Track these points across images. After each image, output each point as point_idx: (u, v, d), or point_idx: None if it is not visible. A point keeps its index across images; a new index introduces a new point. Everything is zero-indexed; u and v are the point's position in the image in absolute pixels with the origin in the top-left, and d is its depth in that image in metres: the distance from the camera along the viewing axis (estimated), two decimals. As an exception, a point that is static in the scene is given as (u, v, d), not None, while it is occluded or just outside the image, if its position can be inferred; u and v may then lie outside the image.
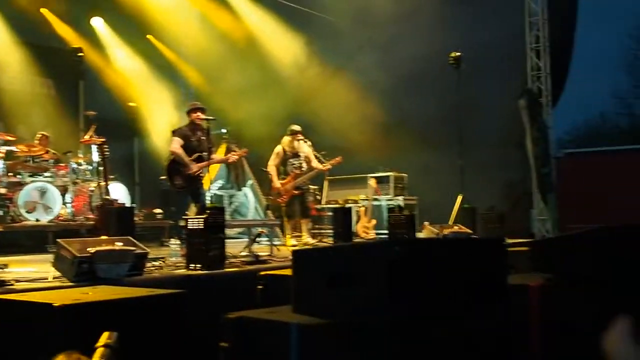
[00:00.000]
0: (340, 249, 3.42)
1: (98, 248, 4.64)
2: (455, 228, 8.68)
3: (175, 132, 7.64)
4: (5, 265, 5.72)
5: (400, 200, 10.67)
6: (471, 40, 10.30)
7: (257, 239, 7.94)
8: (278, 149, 8.94)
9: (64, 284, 4.42)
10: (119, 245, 4.84)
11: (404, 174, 11.26)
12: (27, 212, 8.55)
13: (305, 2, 11.70)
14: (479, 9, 10.51)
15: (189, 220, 5.63)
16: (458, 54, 9.99)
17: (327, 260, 2.89)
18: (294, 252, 3.01)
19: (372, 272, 2.61)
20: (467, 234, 8.52)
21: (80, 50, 12.09)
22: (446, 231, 8.44)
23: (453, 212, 9.72)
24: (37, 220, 8.60)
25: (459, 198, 9.77)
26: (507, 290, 2.89)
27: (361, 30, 11.00)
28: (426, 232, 8.61)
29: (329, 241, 8.90)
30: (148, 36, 12.76)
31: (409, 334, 2.52)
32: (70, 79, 12.41)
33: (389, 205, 10.50)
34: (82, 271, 4.53)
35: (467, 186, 9.91)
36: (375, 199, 10.66)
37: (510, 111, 10.45)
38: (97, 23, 12.43)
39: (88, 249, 4.60)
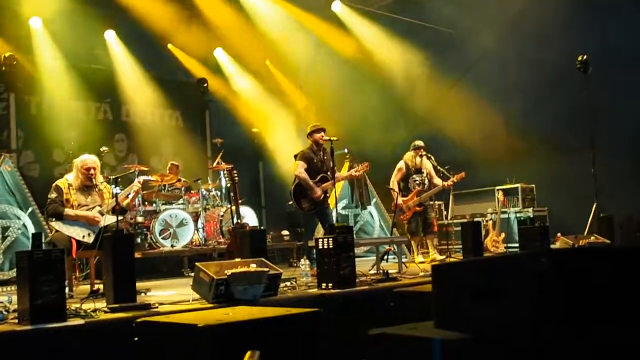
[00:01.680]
0: (484, 262, 3.30)
1: (234, 270, 4.77)
2: (592, 238, 8.18)
3: (297, 156, 7.74)
4: (148, 290, 6.04)
5: (530, 212, 10.26)
6: (601, 42, 9.77)
7: (385, 257, 7.90)
8: (400, 164, 8.87)
9: (204, 306, 4.58)
10: (253, 267, 4.96)
11: (532, 185, 10.82)
12: (163, 238, 9.01)
13: (420, 15, 11.61)
14: (606, 12, 9.96)
15: (319, 240, 5.68)
16: (585, 57, 9.49)
17: (469, 274, 2.79)
18: (435, 267, 2.94)
19: (518, 285, 2.49)
20: (604, 243, 8.00)
21: (204, 81, 12.72)
22: (582, 242, 7.97)
23: (588, 222, 9.19)
24: (173, 246, 9.03)
25: (594, 207, 9.23)
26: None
27: (480, 39, 10.73)
28: (560, 243, 8.19)
29: (457, 257, 8.68)
30: (267, 62, 13.16)
31: (558, 352, 2.37)
32: (197, 109, 13.07)
33: (518, 217, 10.11)
34: (219, 293, 4.68)
35: (601, 194, 9.33)
36: (504, 212, 10.31)
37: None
38: (219, 53, 12.98)
39: (225, 271, 4.74)
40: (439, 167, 8.71)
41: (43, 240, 4.17)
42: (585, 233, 8.80)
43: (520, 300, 2.44)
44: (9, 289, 6.81)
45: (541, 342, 2.37)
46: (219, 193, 9.99)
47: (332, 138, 7.57)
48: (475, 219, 9.77)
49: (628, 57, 9.77)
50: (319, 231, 7.76)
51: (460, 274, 2.83)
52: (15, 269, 5.98)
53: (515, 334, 2.40)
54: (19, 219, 8.08)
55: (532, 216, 9.68)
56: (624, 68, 9.78)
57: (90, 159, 6.19)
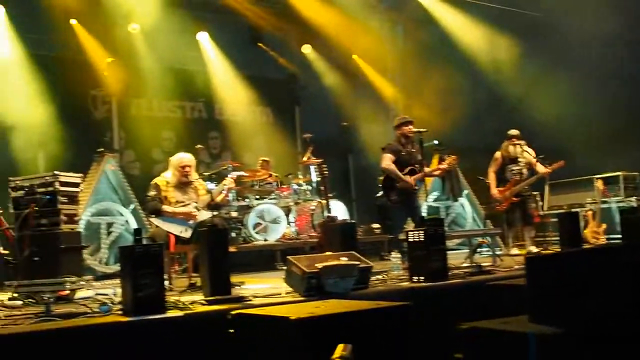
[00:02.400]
0: (579, 254, 3.18)
1: (325, 263, 4.83)
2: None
3: (385, 149, 7.70)
4: (242, 283, 6.21)
5: (633, 201, 9.75)
6: None
7: (478, 250, 7.74)
8: (497, 155, 8.67)
9: (296, 299, 4.66)
10: (344, 260, 5.00)
11: (635, 173, 10.27)
12: (257, 233, 9.21)
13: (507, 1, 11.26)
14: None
15: (409, 233, 5.64)
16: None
17: (564, 267, 2.70)
18: (528, 260, 2.87)
19: (614, 278, 2.38)
20: None
21: (294, 78, 12.89)
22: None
23: None
24: (266, 240, 9.23)
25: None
26: None
27: (574, 22, 10.27)
28: (665, 233, 7.74)
29: (554, 249, 8.38)
30: (354, 56, 13.17)
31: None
32: (287, 105, 13.26)
33: (620, 207, 9.64)
34: (311, 286, 4.75)
35: None
36: (604, 202, 9.86)
37: None
38: (307, 50, 13.11)
39: (316, 265, 4.81)
40: (534, 156, 8.44)
41: (143, 236, 4.37)
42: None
43: (615, 294, 2.35)
44: (114, 281, 7.18)
45: (633, 339, 2.27)
46: (309, 187, 10.10)
47: (420, 130, 7.49)
48: (573, 210, 9.39)
49: None
50: (410, 224, 7.70)
51: (554, 267, 2.74)
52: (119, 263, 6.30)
53: (611, 329, 2.31)
54: (122, 215, 8.52)
55: (635, 205, 9.19)
56: None
57: (186, 157, 6.43)
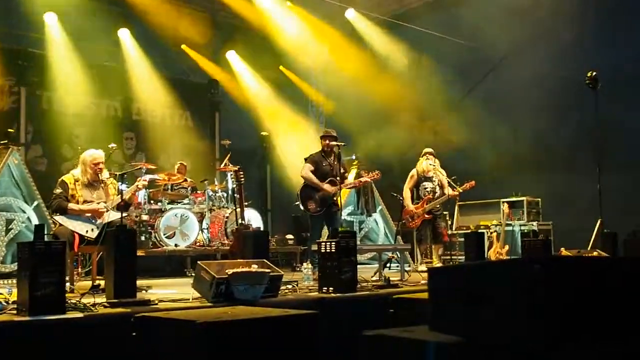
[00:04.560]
0: (478, 267, 3.30)
1: (235, 270, 4.78)
2: (595, 253, 8.17)
3: (307, 159, 7.85)
4: (149, 287, 6.06)
5: (534, 225, 10.22)
6: (610, 59, 9.77)
7: (388, 264, 7.89)
8: (412, 172, 8.89)
9: (204, 304, 4.59)
10: (254, 267, 4.97)
11: (537, 199, 10.79)
12: (167, 237, 9.02)
13: (434, 27, 11.62)
14: (615, 27, 9.96)
15: (321, 243, 5.68)
16: (594, 74, 9.48)
17: (464, 278, 2.80)
18: (430, 270, 2.95)
19: (511, 291, 2.49)
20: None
21: (215, 83, 12.79)
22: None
23: (592, 237, 9.17)
24: (176, 245, 9.05)
25: (598, 222, 9.21)
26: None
27: (491, 52, 10.74)
28: (563, 257, 8.15)
29: (460, 267, 8.65)
30: (280, 67, 13.22)
31: (548, 356, 2.37)
32: (207, 110, 13.13)
33: (522, 230, 10.08)
34: (220, 292, 4.69)
35: (607, 211, 9.29)
36: (509, 224, 10.29)
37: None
38: (232, 56, 13.04)
39: (226, 271, 4.75)
40: (446, 178, 8.71)
41: (46, 234, 4.18)
42: (588, 248, 8.78)
43: (512, 306, 2.45)
44: (10, 282, 6.84)
45: (532, 350, 2.37)
46: (225, 194, 10.01)
47: (339, 144, 7.61)
48: (480, 230, 9.74)
49: (637, 73, 9.77)
50: (325, 236, 7.76)
51: (454, 278, 2.84)
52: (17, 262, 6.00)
53: (506, 340, 2.40)
54: (23, 212, 8.11)
55: (536, 229, 9.64)
56: (634, 84, 9.78)
57: (99, 154, 6.23)
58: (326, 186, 7.59)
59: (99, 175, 6.15)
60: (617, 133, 9.76)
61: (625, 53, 9.88)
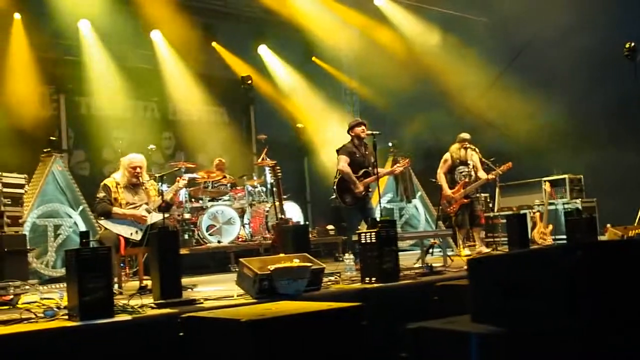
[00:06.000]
0: (517, 255, 3.27)
1: (277, 265, 4.82)
2: (643, 229, 7.99)
3: (339, 151, 7.78)
4: (195, 285, 6.16)
5: (578, 203, 10.03)
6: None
7: (430, 250, 7.85)
8: (446, 156, 8.80)
9: (248, 301, 4.63)
10: (296, 262, 5.00)
11: (580, 176, 10.58)
12: (210, 234, 9.15)
13: (460, 7, 11.46)
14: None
15: (361, 234, 5.68)
16: (632, 44, 9.20)
17: (503, 268, 2.78)
18: (470, 261, 2.93)
19: (551, 279, 2.46)
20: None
21: (249, 78, 12.83)
22: (631, 233, 7.79)
23: (639, 214, 8.96)
24: (219, 242, 9.16)
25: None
26: None
27: (523, 28, 10.52)
28: (609, 235, 8.02)
29: (504, 249, 8.57)
30: (313, 58, 13.21)
31: (592, 344, 2.34)
32: (242, 106, 13.20)
33: (566, 209, 9.91)
34: (263, 288, 4.74)
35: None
36: (551, 204, 10.12)
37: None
38: (263, 50, 13.09)
39: (268, 267, 4.80)
40: (484, 159, 8.60)
41: (92, 238, 4.29)
42: (635, 224, 8.58)
43: (552, 295, 2.42)
44: (61, 285, 7.03)
45: (572, 336, 2.34)
46: (264, 189, 10.08)
47: (374, 132, 7.57)
48: (522, 211, 9.61)
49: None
50: (364, 226, 7.76)
51: (494, 268, 2.82)
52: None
53: (548, 328, 2.38)
54: (70, 217, 8.33)
55: (580, 207, 9.46)
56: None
57: (137, 158, 6.34)
58: (358, 185, 7.56)
59: (139, 178, 6.26)
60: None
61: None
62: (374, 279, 5.43)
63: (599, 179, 10.19)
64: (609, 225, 8.25)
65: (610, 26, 9.62)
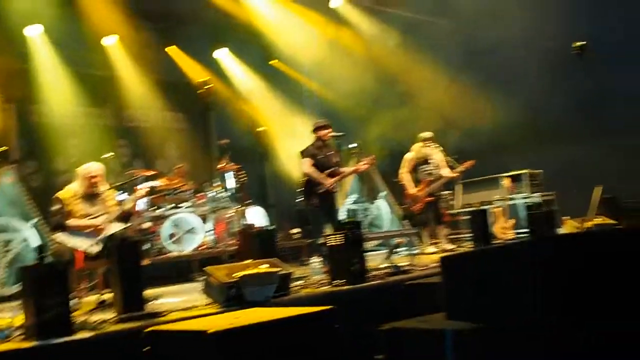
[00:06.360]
0: (490, 251, 3.25)
1: (244, 272, 4.72)
2: (599, 220, 8.15)
3: (303, 153, 7.69)
4: (157, 297, 5.97)
5: (537, 197, 10.17)
6: (604, 23, 9.69)
7: (396, 250, 7.83)
8: (408, 155, 8.82)
9: (215, 310, 4.52)
10: (263, 267, 4.90)
11: (538, 171, 10.73)
12: (172, 243, 8.93)
13: (421, 10, 11.52)
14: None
15: (329, 237, 5.63)
16: (582, 42, 9.40)
17: (476, 264, 2.76)
18: (443, 259, 2.89)
19: (524, 273, 2.45)
20: (611, 225, 7.95)
21: (207, 82, 12.64)
22: (588, 224, 7.98)
23: (592, 204, 9.15)
24: (181, 250, 8.95)
25: (598, 190, 9.18)
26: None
27: (483, 30, 10.64)
28: (567, 227, 8.19)
29: (467, 245, 8.61)
30: (272, 61, 13.11)
31: (564, 340, 2.33)
32: (200, 110, 12.97)
33: (526, 203, 10.03)
34: (231, 296, 4.63)
35: (607, 177, 9.28)
36: (511, 199, 10.22)
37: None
38: (222, 54, 12.93)
39: (235, 274, 4.69)
40: (447, 158, 8.64)
41: (47, 253, 4.10)
42: (590, 215, 8.75)
43: (525, 288, 2.41)
44: (14, 304, 6.75)
45: (546, 331, 2.33)
46: (226, 195, 9.91)
47: (337, 134, 7.53)
48: (484, 207, 9.69)
49: (629, 37, 9.70)
50: (329, 228, 7.69)
51: (467, 265, 2.81)
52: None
53: (522, 322, 2.37)
54: (21, 231, 8.00)
55: (539, 201, 9.60)
56: (627, 49, 9.71)
57: (93, 167, 6.13)
58: (326, 180, 7.49)
59: (96, 188, 6.05)
60: (611, 100, 9.73)
61: (617, 16, 9.77)
62: (342, 281, 5.38)
63: (558, 173, 10.35)
64: (566, 217, 8.38)
65: (566, 27, 9.78)
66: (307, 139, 7.89)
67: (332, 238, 5.57)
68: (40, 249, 4.02)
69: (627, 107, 9.68)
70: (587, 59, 9.09)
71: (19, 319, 4.09)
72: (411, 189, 8.63)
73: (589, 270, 2.48)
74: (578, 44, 9.37)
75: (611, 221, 8.12)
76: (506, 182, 10.31)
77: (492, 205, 10.22)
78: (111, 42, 11.38)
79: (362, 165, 7.99)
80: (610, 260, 2.52)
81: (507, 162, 10.78)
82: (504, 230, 9.72)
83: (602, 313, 2.41)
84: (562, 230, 8.21)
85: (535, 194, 10.36)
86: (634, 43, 9.79)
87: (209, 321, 3.81)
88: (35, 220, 8.10)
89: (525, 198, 10.33)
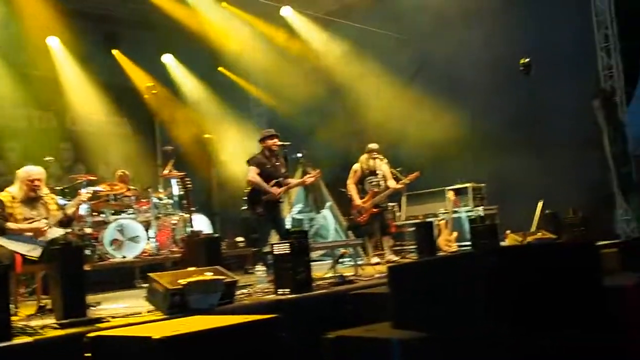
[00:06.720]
0: (436, 261, 3.33)
1: (189, 279, 4.68)
2: (539, 234, 8.42)
3: (250, 162, 7.68)
4: (98, 303, 5.86)
5: (480, 211, 10.41)
6: (540, 42, 10.05)
7: (341, 260, 7.89)
8: (356, 167, 8.92)
9: (158, 317, 4.47)
10: (208, 275, 4.88)
11: (482, 184, 10.99)
12: (113, 249, 8.77)
13: (366, 21, 11.69)
14: (545, 11, 10.24)
15: (274, 245, 5.64)
16: (527, 60, 9.74)
17: (423, 274, 2.82)
18: (390, 268, 2.95)
19: (469, 283, 2.51)
20: (551, 239, 8.22)
21: (153, 87, 12.49)
22: (529, 238, 8.21)
23: (535, 219, 9.43)
24: (124, 257, 8.79)
25: (540, 204, 9.49)
26: (604, 294, 2.72)
27: (425, 42, 10.87)
28: (509, 240, 8.38)
29: (412, 257, 8.75)
30: (219, 68, 13.05)
31: (509, 349, 2.41)
32: (146, 116, 12.81)
33: (469, 216, 10.25)
34: (174, 303, 4.58)
35: (547, 191, 9.59)
36: (455, 211, 10.44)
37: (586, 111, 10.06)
38: (168, 60, 12.80)
39: (179, 281, 4.65)
40: (392, 169, 8.77)
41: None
42: (532, 229, 9.03)
43: (470, 298, 2.47)
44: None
45: (491, 341, 2.40)
46: (170, 201, 9.79)
47: (284, 143, 7.56)
48: (428, 219, 9.86)
49: (568, 54, 10.06)
50: (275, 237, 7.70)
51: (414, 275, 2.86)
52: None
53: (468, 332, 2.42)
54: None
55: (482, 215, 9.83)
56: (566, 65, 10.07)
57: (34, 170, 5.99)
58: (273, 189, 7.50)
59: (37, 191, 5.91)
60: (552, 114, 10.06)
61: (559, 31, 10.12)
62: (287, 290, 5.39)
63: (500, 187, 10.61)
64: (508, 231, 8.62)
65: (509, 42, 10.10)
66: (254, 148, 7.90)
67: (279, 247, 5.58)
68: (-21, 253, 3.91)
69: (565, 121, 10.01)
70: (529, 75, 9.45)
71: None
72: (357, 200, 8.73)
73: (532, 281, 2.58)
74: (524, 60, 9.75)
75: (551, 235, 8.39)
76: (450, 195, 10.52)
77: (437, 218, 10.42)
78: (55, 44, 11.14)
79: (309, 178, 8.06)
80: (551, 272, 2.62)
81: (451, 175, 10.99)
82: (447, 242, 9.89)
83: (546, 323, 2.51)
84: (504, 244, 8.41)
85: (478, 207, 10.60)
86: (571, 58, 10.16)
87: (153, 328, 3.77)
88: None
89: (468, 211, 10.55)
